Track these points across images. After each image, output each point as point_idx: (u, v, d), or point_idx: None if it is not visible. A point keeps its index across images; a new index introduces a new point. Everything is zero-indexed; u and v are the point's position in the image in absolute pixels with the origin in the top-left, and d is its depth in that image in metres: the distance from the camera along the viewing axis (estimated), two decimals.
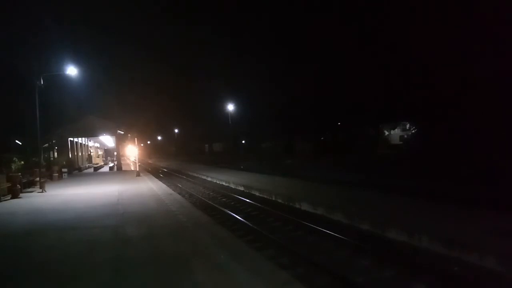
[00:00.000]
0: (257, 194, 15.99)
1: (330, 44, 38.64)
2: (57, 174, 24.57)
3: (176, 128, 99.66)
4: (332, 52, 38.42)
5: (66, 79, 23.11)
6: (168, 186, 19.63)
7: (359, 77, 34.12)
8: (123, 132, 40.56)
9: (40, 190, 17.28)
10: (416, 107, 28.61)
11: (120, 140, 41.69)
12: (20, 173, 18.50)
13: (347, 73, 35.91)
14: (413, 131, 38.02)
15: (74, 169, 34.50)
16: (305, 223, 9.59)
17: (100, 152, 65.67)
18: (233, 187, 19.41)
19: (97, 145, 61.09)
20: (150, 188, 17.55)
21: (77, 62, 39.58)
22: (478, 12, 21.60)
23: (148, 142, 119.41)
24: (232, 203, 14.51)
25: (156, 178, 25.22)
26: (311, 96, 41.82)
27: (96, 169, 39.03)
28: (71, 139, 36.02)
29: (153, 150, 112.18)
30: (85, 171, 37.48)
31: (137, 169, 27.25)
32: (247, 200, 14.08)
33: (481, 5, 21.54)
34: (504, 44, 19.74)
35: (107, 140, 52.26)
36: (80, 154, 41.91)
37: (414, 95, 27.80)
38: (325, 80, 39.25)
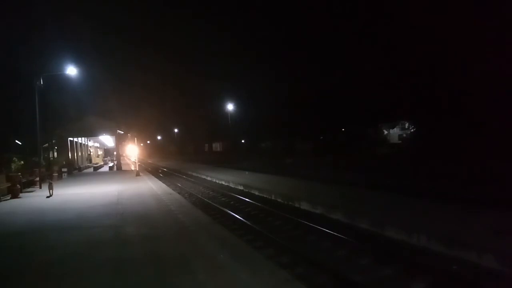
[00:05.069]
0: (256, 193, 16.01)
1: (330, 44, 38.62)
2: (56, 174, 24.56)
3: (176, 128, 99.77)
4: (332, 52, 38.39)
5: (66, 79, 23.18)
6: (167, 185, 19.63)
7: (359, 76, 34.12)
8: (123, 132, 40.57)
9: (47, 193, 15.81)
10: (416, 106, 28.62)
11: (120, 140, 41.69)
12: (19, 173, 18.48)
13: (347, 73, 35.91)
14: (412, 130, 38.03)
15: (74, 169, 34.48)
16: (304, 222, 9.61)
17: (100, 152, 65.67)
18: (232, 186, 19.42)
19: (97, 145, 61.09)
20: (149, 187, 17.56)
21: (77, 61, 39.59)
22: (478, 11, 21.62)
23: (148, 142, 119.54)
24: (232, 202, 14.52)
25: (155, 177, 25.22)
26: (312, 96, 41.82)
27: (95, 169, 39.03)
28: (71, 139, 36.00)
29: (153, 150, 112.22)
30: (85, 171, 37.48)
31: (137, 169, 27.25)
32: (247, 200, 14.10)
33: (481, 4, 21.56)
34: (504, 43, 19.75)
35: (107, 140, 52.26)
36: (80, 154, 41.89)
37: (414, 94, 27.82)
38: (325, 80, 39.23)
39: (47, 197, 14.98)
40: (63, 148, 35.81)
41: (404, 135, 45.72)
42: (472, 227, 7.47)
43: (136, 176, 25.06)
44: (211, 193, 17.89)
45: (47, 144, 31.83)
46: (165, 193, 15.07)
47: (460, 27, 22.09)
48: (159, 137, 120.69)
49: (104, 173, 33.17)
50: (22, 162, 27.40)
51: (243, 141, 70.63)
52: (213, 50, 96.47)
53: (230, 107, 53.69)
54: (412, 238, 7.53)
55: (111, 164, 40.04)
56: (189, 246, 6.81)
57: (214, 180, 23.13)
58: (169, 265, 5.75)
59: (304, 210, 11.68)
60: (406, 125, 43.22)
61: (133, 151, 34.74)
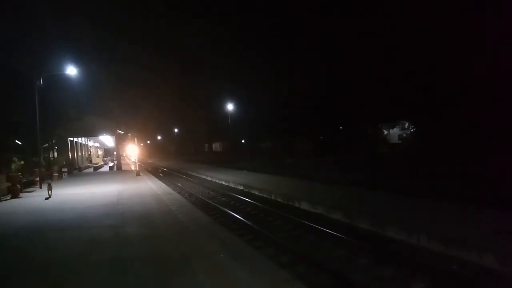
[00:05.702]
0: (256, 193, 16.01)
1: (330, 44, 38.62)
2: (57, 174, 24.58)
3: (176, 128, 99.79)
4: (332, 52, 38.38)
5: (66, 79, 23.20)
6: (168, 185, 19.64)
7: (359, 76, 34.12)
8: (123, 132, 40.58)
9: (47, 193, 15.32)
10: (416, 106, 28.61)
11: (120, 140, 41.72)
12: (20, 173, 18.49)
13: (347, 72, 35.90)
14: (412, 130, 38.03)
15: (74, 169, 34.51)
16: (304, 222, 9.61)
17: (100, 152, 65.69)
18: (232, 186, 19.43)
19: (97, 145, 61.11)
20: (150, 187, 17.56)
21: (77, 61, 39.58)
22: (478, 11, 21.62)
23: (148, 142, 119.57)
24: (232, 202, 14.52)
25: (156, 177, 25.23)
26: (312, 96, 41.83)
27: (96, 168, 39.04)
28: (71, 139, 36.03)
29: (153, 150, 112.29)
30: (85, 171, 37.49)
31: (137, 169, 27.26)
32: (247, 200, 14.10)
33: (482, 4, 21.56)
34: (504, 43, 19.75)
35: (107, 140, 52.29)
36: (80, 154, 41.91)
37: (414, 94, 27.80)
38: (325, 80, 39.22)
39: (46, 198, 14.66)
40: (63, 148, 35.83)
41: (404, 135, 45.69)
42: (472, 227, 7.47)
43: (136, 176, 25.07)
44: (211, 193, 17.89)
45: (47, 144, 31.83)
46: (165, 193, 15.08)
47: (460, 27, 22.10)
48: (159, 137, 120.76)
49: (104, 173, 33.18)
50: (22, 162, 27.41)
51: (243, 141, 70.60)
52: (213, 50, 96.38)
53: (230, 107, 53.69)
54: (412, 238, 7.53)
55: (111, 164, 40.07)
56: (189, 246, 6.81)
57: (214, 180, 23.13)
58: (169, 265, 5.75)
59: (304, 210, 11.68)
60: (406, 125, 43.20)
61: (133, 151, 34.78)
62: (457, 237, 6.84)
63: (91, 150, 54.67)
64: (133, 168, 32.66)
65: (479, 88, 21.57)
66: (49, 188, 15.36)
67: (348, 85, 35.75)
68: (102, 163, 51.74)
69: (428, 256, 6.73)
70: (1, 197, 15.32)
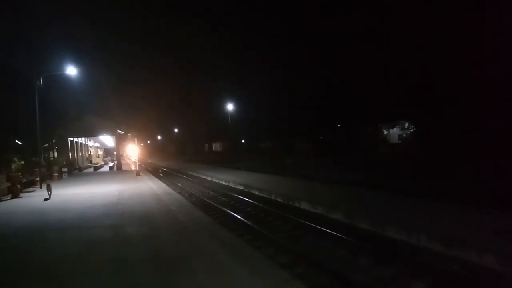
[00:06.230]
0: (256, 193, 16.01)
1: (330, 44, 38.64)
2: (57, 174, 24.58)
3: (176, 128, 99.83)
4: (332, 52, 38.40)
5: (66, 79, 23.21)
6: (168, 185, 19.64)
7: (359, 76, 34.13)
8: (123, 132, 40.59)
9: (47, 193, 15.06)
10: (416, 106, 28.61)
11: (120, 140, 41.71)
12: (20, 173, 18.48)
13: (347, 73, 35.91)
14: (412, 131, 38.05)
15: (74, 169, 34.51)
16: (304, 222, 9.61)
17: (100, 152, 65.69)
18: (232, 186, 19.43)
19: (97, 145, 61.10)
20: (150, 187, 17.56)
21: (77, 61, 39.61)
22: (478, 11, 21.62)
23: (148, 142, 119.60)
24: (232, 202, 14.52)
25: (156, 177, 25.22)
26: (311, 96, 41.84)
27: (96, 168, 39.03)
28: (71, 139, 36.04)
29: (153, 150, 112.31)
30: (85, 170, 37.49)
31: (137, 169, 27.26)
32: (247, 200, 14.09)
33: (482, 4, 21.56)
34: (505, 43, 19.74)
35: (107, 140, 52.30)
36: (80, 154, 41.92)
37: (414, 94, 27.81)
38: (325, 80, 39.24)
39: (45, 199, 14.34)
40: (63, 148, 35.84)
41: (404, 135, 45.72)
42: (472, 227, 7.47)
43: (136, 176, 25.06)
44: (211, 193, 17.89)
45: (47, 144, 31.82)
46: (165, 193, 15.08)
47: (460, 27, 22.10)
48: (159, 137, 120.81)
49: (105, 173, 33.18)
50: (22, 162, 27.41)
51: (243, 141, 70.60)
52: (213, 50, 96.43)
53: (230, 107, 53.66)
54: (412, 238, 7.54)
55: (111, 164, 40.07)
56: (189, 246, 6.81)
57: (214, 180, 23.14)
58: (169, 265, 5.75)
59: (304, 210, 11.68)
60: (406, 125, 43.24)
61: (133, 151, 34.78)
62: (457, 237, 6.84)
63: (91, 150, 54.67)
64: (133, 168, 32.65)
65: (479, 88, 21.56)
66: (49, 189, 15.15)
67: (348, 85, 35.74)
68: (102, 163, 51.72)
69: (428, 256, 6.73)
70: (1, 197, 15.32)
